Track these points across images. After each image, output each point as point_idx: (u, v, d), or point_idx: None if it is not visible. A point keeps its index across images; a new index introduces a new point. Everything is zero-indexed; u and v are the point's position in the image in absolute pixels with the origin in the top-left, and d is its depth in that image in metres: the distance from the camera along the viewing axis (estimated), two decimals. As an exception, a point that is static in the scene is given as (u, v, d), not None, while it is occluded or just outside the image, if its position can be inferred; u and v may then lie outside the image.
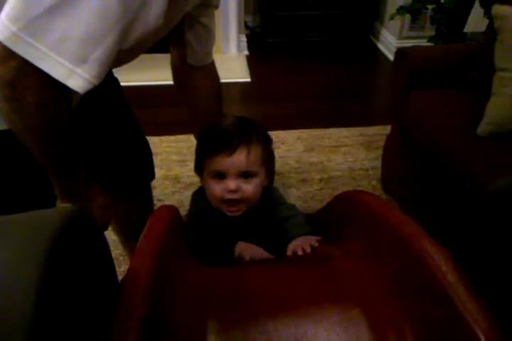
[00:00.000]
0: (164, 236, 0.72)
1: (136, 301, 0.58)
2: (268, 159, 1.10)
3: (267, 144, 1.11)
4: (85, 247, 0.55)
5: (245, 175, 1.03)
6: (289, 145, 2.47)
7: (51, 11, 0.64)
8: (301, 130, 2.58)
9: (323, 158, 2.37)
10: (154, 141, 2.46)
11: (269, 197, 1.16)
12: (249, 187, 1.04)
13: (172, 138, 2.51)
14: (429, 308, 0.65)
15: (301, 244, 0.99)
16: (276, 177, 2.26)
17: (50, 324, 0.45)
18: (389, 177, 2.12)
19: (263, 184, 1.09)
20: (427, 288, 0.65)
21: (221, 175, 1.03)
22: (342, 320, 0.68)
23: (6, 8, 0.64)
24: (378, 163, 2.21)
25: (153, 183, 2.18)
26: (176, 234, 0.82)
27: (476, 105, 1.67)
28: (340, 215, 0.94)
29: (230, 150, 1.01)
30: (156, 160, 2.31)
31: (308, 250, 0.96)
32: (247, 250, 1.02)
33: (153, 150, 2.43)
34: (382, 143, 2.17)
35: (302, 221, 1.12)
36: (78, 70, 0.68)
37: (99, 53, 0.68)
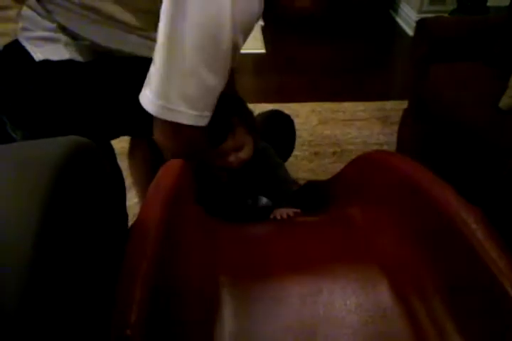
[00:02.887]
0: (175, 186, 0.69)
1: (144, 251, 0.55)
2: (253, 128, 1.25)
3: (249, 118, 1.26)
4: (93, 180, 0.52)
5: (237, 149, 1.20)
6: (303, 118, 2.43)
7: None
8: (316, 103, 2.52)
9: (337, 132, 2.33)
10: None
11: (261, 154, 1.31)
12: (243, 155, 1.21)
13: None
14: (456, 268, 0.62)
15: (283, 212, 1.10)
16: (288, 150, 2.23)
17: (50, 267, 0.42)
18: (404, 152, 2.08)
19: (254, 146, 1.24)
20: (454, 246, 0.62)
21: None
22: (360, 278, 0.65)
23: (148, 88, 0.87)
24: (394, 138, 2.17)
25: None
26: (186, 185, 0.79)
27: (499, 78, 1.61)
28: (362, 176, 0.91)
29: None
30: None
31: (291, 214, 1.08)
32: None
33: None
34: (398, 119, 2.12)
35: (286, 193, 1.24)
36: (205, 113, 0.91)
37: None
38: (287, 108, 2.48)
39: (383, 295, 0.65)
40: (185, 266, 0.65)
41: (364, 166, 0.90)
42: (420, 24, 1.89)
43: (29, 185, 0.42)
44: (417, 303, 0.63)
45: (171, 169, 0.75)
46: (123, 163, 2.05)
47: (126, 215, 0.62)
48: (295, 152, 2.21)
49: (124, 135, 1.36)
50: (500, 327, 0.55)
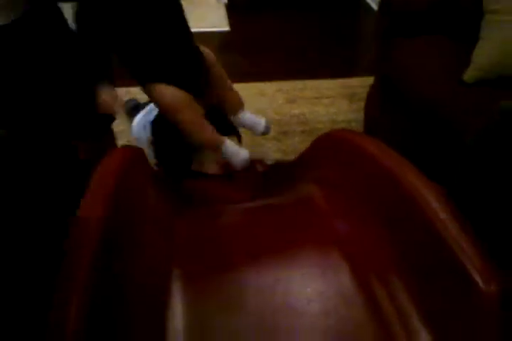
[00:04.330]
0: (118, 178, 0.64)
1: (86, 247, 0.51)
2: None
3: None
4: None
5: None
6: (269, 97, 2.38)
7: None
8: (282, 81, 2.47)
9: (304, 110, 2.29)
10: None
11: None
12: None
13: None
14: (417, 249, 0.60)
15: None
16: (256, 130, 2.19)
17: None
18: (372, 128, 2.06)
19: None
20: (415, 227, 0.59)
21: None
22: (320, 264, 0.63)
23: None
24: (361, 115, 2.14)
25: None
26: (135, 174, 0.74)
27: (463, 51, 1.59)
28: (325, 154, 0.88)
29: None
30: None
31: None
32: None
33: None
34: (365, 95, 2.09)
35: None
36: None
37: None
38: (253, 87, 2.43)
39: (344, 280, 0.62)
40: (135, 258, 0.61)
41: (325, 146, 0.87)
42: (383, -3, 1.85)
43: None
44: (379, 289, 0.61)
45: (113, 161, 0.70)
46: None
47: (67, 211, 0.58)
48: (263, 132, 2.17)
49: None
50: (462, 307, 0.53)
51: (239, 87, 2.37)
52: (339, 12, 3.31)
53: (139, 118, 1.71)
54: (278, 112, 2.27)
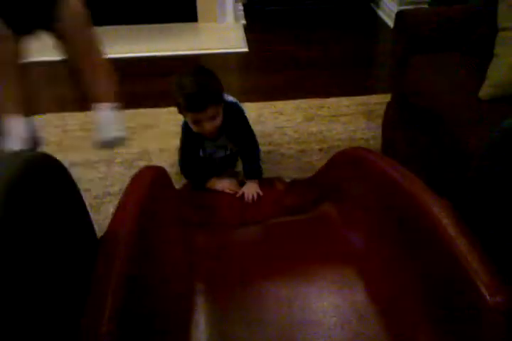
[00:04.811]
0: (147, 195, 0.68)
1: (116, 260, 0.55)
2: (222, 97, 1.55)
3: (220, 90, 1.54)
4: (50, 193, 0.51)
5: (213, 116, 1.52)
6: (288, 115, 2.42)
7: None
8: (300, 100, 2.51)
9: (322, 128, 2.32)
10: (150, 113, 2.41)
11: (234, 116, 1.67)
12: (217, 122, 1.55)
13: (171, 109, 2.45)
14: (429, 264, 0.61)
15: (249, 196, 1.60)
16: (274, 148, 2.22)
17: (9, 280, 0.42)
18: (389, 145, 2.08)
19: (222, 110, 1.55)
20: (428, 243, 0.61)
21: (197, 121, 1.52)
22: (336, 279, 0.65)
23: None
24: (379, 132, 2.16)
25: (150, 155, 2.16)
26: (160, 192, 0.78)
27: (478, 68, 1.61)
28: (340, 172, 0.90)
29: (201, 108, 1.47)
30: (153, 133, 2.28)
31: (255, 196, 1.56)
32: (218, 184, 1.71)
33: (149, 123, 2.38)
34: (382, 112, 2.11)
35: (257, 168, 1.76)
36: None
37: None
38: (272, 106, 2.48)
39: (359, 296, 0.64)
40: (159, 274, 0.64)
41: (341, 164, 0.90)
42: (399, 16, 1.88)
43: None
44: (393, 304, 0.63)
45: (144, 176, 0.75)
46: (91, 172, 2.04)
47: (91, 224, 0.62)
48: (281, 150, 2.20)
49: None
50: (470, 320, 0.55)
51: (258, 106, 2.43)
52: (356, 30, 3.36)
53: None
54: (296, 130, 2.31)
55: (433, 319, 0.59)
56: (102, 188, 1.96)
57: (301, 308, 0.64)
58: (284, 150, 2.19)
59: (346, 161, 0.89)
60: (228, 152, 1.82)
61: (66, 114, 2.41)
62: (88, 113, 2.38)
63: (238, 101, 1.82)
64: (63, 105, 2.58)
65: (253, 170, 1.78)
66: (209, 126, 1.53)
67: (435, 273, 0.61)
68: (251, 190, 1.67)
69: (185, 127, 1.69)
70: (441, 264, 0.59)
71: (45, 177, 0.50)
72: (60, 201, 0.54)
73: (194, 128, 1.57)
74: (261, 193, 1.57)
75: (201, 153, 1.77)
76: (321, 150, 2.18)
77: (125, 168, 2.08)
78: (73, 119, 2.38)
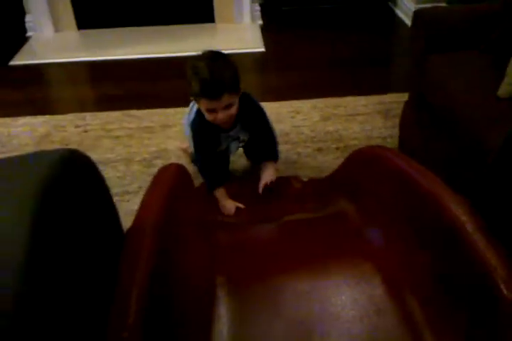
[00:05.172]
0: (171, 189, 0.70)
1: (141, 254, 0.57)
2: (238, 86, 1.48)
3: (237, 79, 1.47)
4: (82, 187, 0.54)
5: (228, 105, 1.45)
6: (304, 114, 2.43)
7: None
8: (317, 99, 2.52)
9: (339, 127, 2.32)
10: (169, 113, 2.44)
11: (249, 106, 1.62)
12: (232, 111, 1.48)
13: (187, 109, 2.48)
14: (447, 260, 0.62)
15: (267, 180, 1.54)
16: (291, 147, 2.23)
17: (44, 269, 0.44)
18: (407, 144, 2.07)
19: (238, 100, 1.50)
20: (445, 240, 0.62)
21: (211, 109, 1.46)
22: (354, 274, 0.66)
23: None
24: (396, 131, 2.16)
25: (168, 154, 2.19)
26: (183, 189, 0.80)
27: (497, 66, 1.60)
28: (358, 170, 0.91)
29: (217, 97, 1.40)
30: (171, 132, 2.31)
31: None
32: (225, 205, 1.44)
33: (167, 122, 2.42)
34: (400, 111, 2.11)
35: (273, 149, 1.71)
36: None
37: None
38: (288, 105, 2.49)
39: (377, 290, 0.65)
40: (182, 269, 0.66)
41: (358, 162, 0.91)
42: (417, 14, 1.88)
43: (20, 196, 0.44)
44: (411, 298, 0.64)
45: (166, 173, 0.77)
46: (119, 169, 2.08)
47: (118, 219, 0.64)
48: (298, 149, 2.21)
49: None
50: (488, 315, 0.56)
51: (275, 106, 2.45)
52: (373, 29, 3.35)
53: (184, 117, 1.87)
54: (313, 129, 2.32)
55: (451, 313, 0.60)
56: (120, 187, 1.99)
57: (320, 301, 0.66)
58: (300, 149, 2.20)
59: (364, 159, 0.90)
60: (241, 144, 1.79)
61: (87, 114, 2.45)
62: (108, 113, 2.43)
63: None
64: (84, 105, 2.63)
65: (270, 151, 1.73)
66: (223, 115, 1.47)
67: (453, 268, 0.62)
68: (268, 175, 1.61)
69: (195, 125, 1.63)
70: (459, 260, 0.60)
71: (78, 172, 0.53)
72: (91, 195, 0.56)
73: (207, 116, 1.50)
74: (274, 177, 1.54)
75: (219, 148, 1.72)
76: (337, 149, 2.18)
77: (143, 166, 2.11)
78: (94, 119, 2.42)
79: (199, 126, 1.61)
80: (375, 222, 0.76)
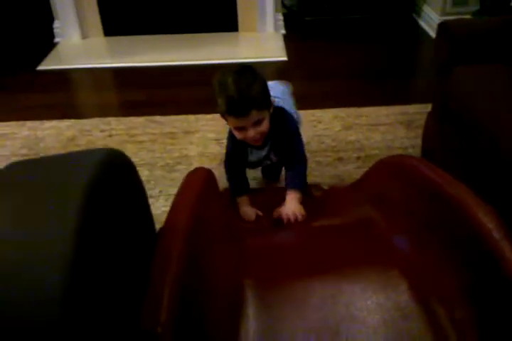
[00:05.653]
0: (200, 192, 0.72)
1: (172, 253, 0.58)
2: (268, 101, 1.42)
3: (267, 93, 1.42)
4: (123, 187, 0.56)
5: (257, 122, 1.38)
6: (326, 123, 2.44)
7: None
8: (339, 108, 2.53)
9: (360, 137, 2.33)
10: (191, 119, 2.48)
11: (281, 124, 1.54)
12: (262, 128, 1.40)
13: (209, 116, 2.51)
14: (474, 266, 0.63)
15: (288, 214, 1.28)
16: (311, 156, 2.24)
17: (88, 264, 0.46)
18: (429, 155, 2.07)
19: (269, 114, 1.43)
20: (471, 247, 0.63)
21: (241, 127, 1.39)
22: (380, 279, 0.67)
23: None
24: (418, 142, 2.16)
25: (190, 160, 2.22)
26: (211, 192, 0.82)
27: (523, 79, 1.60)
28: (381, 180, 0.92)
29: (244, 114, 1.33)
30: (193, 138, 2.34)
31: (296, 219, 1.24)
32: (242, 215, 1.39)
33: (189, 129, 2.45)
34: (422, 122, 2.11)
35: (302, 177, 1.56)
36: None
37: None
38: (310, 115, 2.50)
39: (403, 295, 0.66)
40: (211, 269, 0.68)
41: (383, 171, 0.92)
42: (442, 26, 1.89)
43: (69, 190, 0.46)
44: (436, 304, 0.64)
45: (196, 177, 0.79)
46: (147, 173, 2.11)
47: (152, 220, 0.66)
48: (318, 158, 2.22)
49: None
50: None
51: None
52: (397, 40, 3.35)
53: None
54: (334, 139, 2.32)
55: (478, 320, 0.60)
56: (143, 191, 2.02)
57: (346, 305, 0.66)
58: (321, 158, 2.21)
59: (389, 168, 0.90)
60: (269, 162, 1.70)
61: (111, 119, 2.50)
62: (132, 118, 2.48)
63: (292, 108, 1.71)
64: (109, 110, 2.68)
65: (296, 178, 1.56)
66: (253, 133, 1.39)
67: (479, 275, 0.62)
68: (290, 208, 1.34)
69: (231, 135, 1.58)
70: (485, 268, 0.60)
71: (120, 172, 0.55)
72: (131, 195, 0.58)
73: (236, 134, 1.43)
74: (302, 214, 1.24)
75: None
76: (358, 158, 2.19)
77: (166, 171, 2.14)
78: (118, 124, 2.46)
79: (233, 138, 1.52)
80: (401, 228, 0.77)
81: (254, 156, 1.62)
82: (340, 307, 0.66)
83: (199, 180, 0.77)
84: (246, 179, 1.70)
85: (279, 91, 1.73)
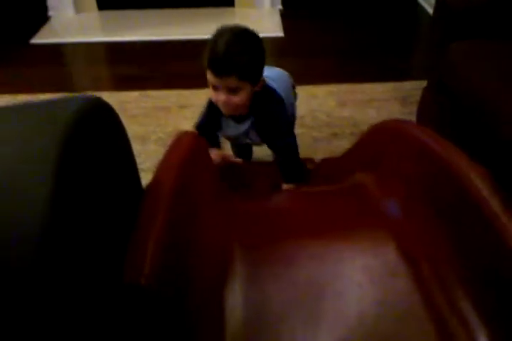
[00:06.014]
0: (189, 151, 0.71)
1: (159, 206, 0.58)
2: (257, 76, 1.32)
3: (257, 68, 1.31)
4: (105, 137, 0.55)
5: (234, 90, 1.26)
6: (321, 99, 2.42)
7: None
8: (334, 85, 2.51)
9: (355, 113, 2.32)
10: (185, 94, 2.45)
11: (266, 104, 1.40)
12: (237, 99, 1.28)
13: (203, 91, 2.47)
14: (463, 228, 0.63)
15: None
16: (305, 131, 2.23)
17: (68, 209, 0.45)
18: (423, 131, 2.06)
19: (252, 91, 1.32)
20: (461, 208, 0.63)
21: (215, 87, 1.28)
22: (368, 240, 0.67)
23: None
24: (413, 118, 2.14)
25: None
26: (200, 153, 0.81)
27: (520, 53, 1.58)
28: (377, 144, 0.92)
29: (221, 72, 1.23)
30: (187, 113, 2.32)
31: None
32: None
33: (184, 103, 2.43)
34: (417, 98, 2.09)
35: (293, 170, 1.41)
36: None
37: None
38: (305, 90, 2.48)
39: (391, 255, 0.66)
40: (199, 226, 0.68)
41: (378, 135, 0.91)
42: (439, 1, 1.86)
43: (44, 141, 0.45)
44: (424, 264, 0.65)
45: (186, 138, 0.78)
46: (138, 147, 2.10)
47: (138, 177, 0.66)
48: (313, 133, 2.21)
49: None
50: (507, 285, 0.56)
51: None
52: (395, 17, 3.32)
53: None
54: (329, 115, 2.31)
55: (466, 279, 0.61)
56: (135, 164, 2.01)
57: (333, 264, 0.67)
58: (315, 134, 2.20)
59: (382, 132, 0.90)
60: (249, 141, 1.54)
61: (104, 93, 2.47)
62: (125, 93, 2.45)
63: (291, 92, 1.63)
64: (102, 84, 2.65)
65: (288, 172, 1.43)
66: (224, 98, 1.28)
67: (470, 235, 0.62)
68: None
69: (210, 102, 1.45)
70: (476, 226, 0.60)
71: (100, 119, 0.54)
72: (114, 144, 0.58)
73: (211, 92, 1.32)
74: None
75: (219, 133, 1.53)
76: (352, 134, 2.18)
77: (159, 145, 2.13)
78: (111, 98, 2.43)
79: (211, 105, 1.44)
80: (393, 193, 0.77)
81: (232, 131, 1.49)
82: (328, 266, 0.66)
83: (189, 140, 0.77)
84: (217, 137, 1.56)
85: (281, 78, 1.65)
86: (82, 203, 0.48)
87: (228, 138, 1.60)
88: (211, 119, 1.48)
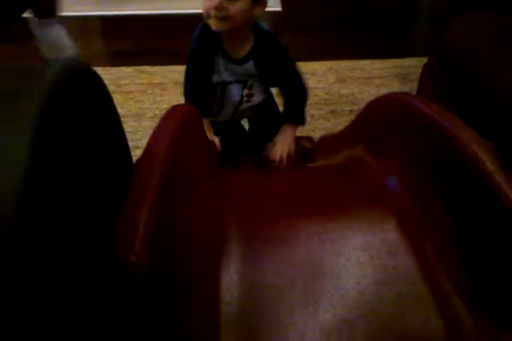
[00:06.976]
0: (182, 122, 0.69)
1: (150, 182, 0.56)
2: None
3: None
4: (87, 104, 0.52)
5: None
6: (319, 76, 2.38)
7: None
8: (333, 61, 2.47)
9: (354, 90, 2.28)
10: (182, 70, 2.40)
11: (269, 44, 1.35)
12: (233, 8, 1.18)
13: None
14: (466, 202, 0.61)
15: (281, 152, 1.21)
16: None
17: (46, 181, 0.42)
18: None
19: (253, 11, 1.24)
20: (464, 181, 0.61)
21: None
22: (367, 217, 0.65)
23: None
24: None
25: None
26: (193, 126, 0.79)
27: (524, 28, 1.54)
28: (376, 117, 0.89)
29: None
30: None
31: (285, 160, 1.17)
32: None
33: (180, 79, 2.39)
34: (417, 76, 2.05)
35: (299, 106, 1.39)
36: None
37: None
38: (304, 66, 2.43)
39: (390, 233, 0.64)
40: (192, 202, 0.66)
41: (376, 110, 0.89)
42: (442, -27, 1.81)
43: (19, 113, 0.42)
44: (425, 241, 0.63)
45: (178, 112, 0.75)
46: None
47: (128, 149, 0.63)
48: (311, 111, 2.18)
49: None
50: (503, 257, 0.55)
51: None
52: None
53: None
54: (327, 92, 2.28)
55: (467, 257, 0.59)
56: (130, 142, 1.97)
57: (332, 242, 0.65)
58: (313, 111, 2.17)
59: (382, 105, 0.87)
60: (246, 92, 1.39)
61: (98, 69, 2.42)
62: (120, 68, 2.40)
63: None
64: (96, 59, 2.59)
65: (294, 109, 1.39)
66: (218, 2, 1.16)
67: (473, 210, 0.60)
68: (282, 145, 1.27)
69: (195, 42, 1.37)
70: (478, 202, 0.58)
71: (84, 83, 0.51)
72: (98, 112, 0.55)
73: (205, 2, 1.20)
74: (292, 149, 1.23)
75: (213, 79, 1.37)
76: (351, 111, 2.15)
77: (154, 122, 2.08)
78: (105, 74, 2.38)
79: (200, 41, 1.33)
80: (392, 167, 0.74)
81: (226, 71, 1.34)
82: (326, 244, 0.65)
83: (181, 112, 0.74)
84: (207, 103, 1.40)
85: None
86: (63, 177, 0.45)
87: (223, 112, 1.45)
88: (203, 61, 1.35)
